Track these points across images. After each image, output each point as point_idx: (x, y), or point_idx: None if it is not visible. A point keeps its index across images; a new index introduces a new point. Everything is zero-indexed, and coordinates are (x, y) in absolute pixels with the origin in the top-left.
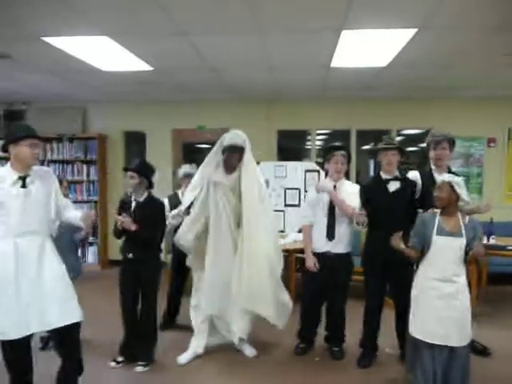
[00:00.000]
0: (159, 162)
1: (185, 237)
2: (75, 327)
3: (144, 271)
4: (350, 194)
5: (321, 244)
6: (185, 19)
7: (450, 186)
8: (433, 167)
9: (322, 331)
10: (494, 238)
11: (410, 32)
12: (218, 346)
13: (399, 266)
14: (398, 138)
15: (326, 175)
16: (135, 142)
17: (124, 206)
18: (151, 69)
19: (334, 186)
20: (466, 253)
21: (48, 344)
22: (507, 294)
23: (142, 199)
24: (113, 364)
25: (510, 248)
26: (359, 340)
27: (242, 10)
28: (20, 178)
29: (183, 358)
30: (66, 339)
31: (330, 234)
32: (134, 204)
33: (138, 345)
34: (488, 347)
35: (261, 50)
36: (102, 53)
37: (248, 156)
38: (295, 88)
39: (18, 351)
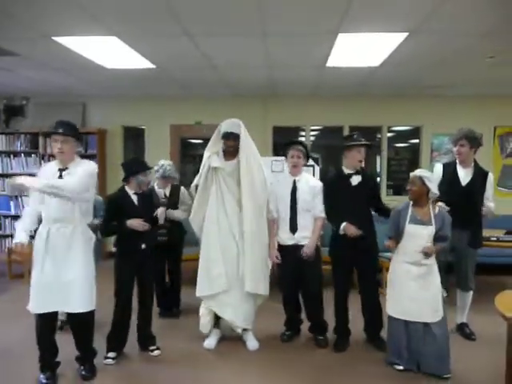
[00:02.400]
0: (157, 157)
1: (195, 219)
2: (90, 314)
3: (150, 259)
4: (310, 187)
5: (285, 237)
6: (190, 21)
7: (421, 179)
8: (457, 162)
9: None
10: None
11: (401, 36)
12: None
13: (363, 255)
14: (389, 135)
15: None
16: (134, 136)
17: (123, 205)
18: (154, 66)
19: (294, 181)
20: (436, 239)
21: (62, 328)
22: (490, 283)
23: (140, 191)
24: (109, 361)
25: (493, 239)
26: (333, 327)
27: (245, 14)
28: (59, 169)
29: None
30: (80, 324)
31: (292, 227)
32: (135, 198)
33: (146, 332)
34: (474, 333)
35: (261, 50)
36: (109, 52)
37: (246, 143)
38: (291, 86)
39: (46, 328)
